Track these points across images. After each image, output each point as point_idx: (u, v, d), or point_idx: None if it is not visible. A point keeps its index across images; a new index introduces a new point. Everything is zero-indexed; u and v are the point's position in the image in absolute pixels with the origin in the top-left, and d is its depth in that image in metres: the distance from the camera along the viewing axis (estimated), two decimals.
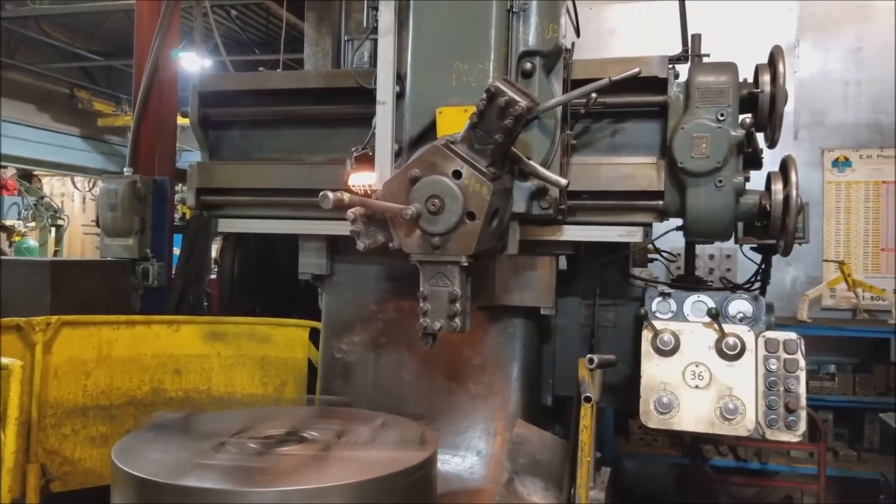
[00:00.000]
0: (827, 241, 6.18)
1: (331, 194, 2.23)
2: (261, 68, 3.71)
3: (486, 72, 2.64)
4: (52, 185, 17.79)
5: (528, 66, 2.72)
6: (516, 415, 3.13)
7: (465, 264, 2.49)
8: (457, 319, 2.51)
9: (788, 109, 3.17)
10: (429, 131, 2.71)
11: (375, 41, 2.81)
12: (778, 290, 5.54)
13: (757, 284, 3.41)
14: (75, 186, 17.69)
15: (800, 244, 3.02)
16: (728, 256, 6.11)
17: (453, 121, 2.59)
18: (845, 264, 5.82)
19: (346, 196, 2.29)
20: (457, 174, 2.41)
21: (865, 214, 6.15)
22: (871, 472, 5.22)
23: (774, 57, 2.91)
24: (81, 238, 17.15)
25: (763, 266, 3.42)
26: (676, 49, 3.33)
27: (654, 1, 6.01)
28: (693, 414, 2.81)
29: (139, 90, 5.11)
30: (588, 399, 2.20)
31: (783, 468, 5.48)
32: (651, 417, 2.84)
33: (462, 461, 3.10)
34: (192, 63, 9.12)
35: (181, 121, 5.55)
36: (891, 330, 5.48)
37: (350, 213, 2.43)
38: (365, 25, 3.35)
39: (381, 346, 3.39)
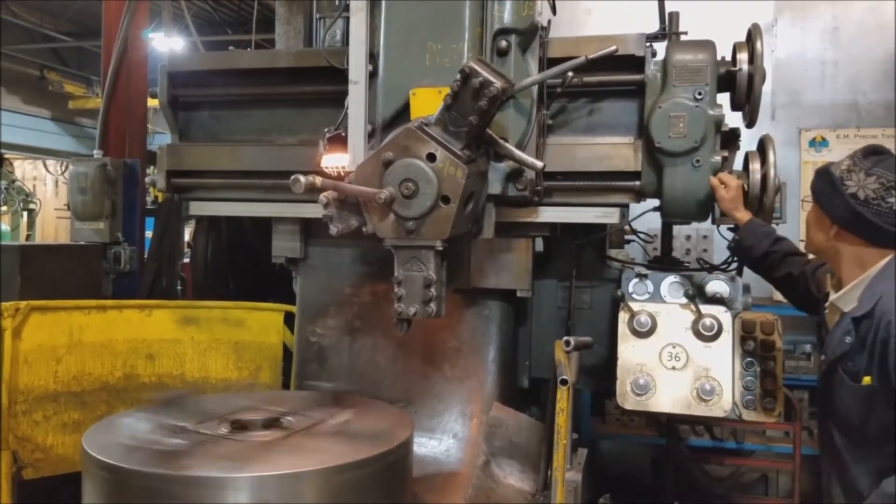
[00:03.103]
0: (803, 222, 6.17)
1: (302, 178, 2.18)
2: (231, 47, 3.62)
3: (460, 52, 2.59)
4: (24, 169, 17.43)
5: (504, 44, 2.68)
6: (492, 397, 3.12)
7: (440, 249, 2.46)
8: (432, 304, 2.49)
9: (766, 90, 3.16)
10: (402, 113, 2.67)
11: (348, 19, 2.76)
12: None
13: (734, 265, 3.41)
14: (47, 170, 17.34)
15: (777, 224, 3.02)
16: (705, 237, 6.11)
17: (427, 102, 2.55)
18: None
19: (319, 180, 2.24)
20: (431, 157, 2.37)
21: None
22: None
23: (752, 35, 2.88)
24: (55, 222, 16.84)
25: None
26: (654, 29, 3.30)
27: None
28: (670, 395, 2.81)
29: (108, 72, 5.01)
30: (564, 382, 2.18)
31: (759, 447, 5.53)
32: (627, 399, 2.83)
33: (438, 444, 3.09)
34: (163, 44, 8.96)
35: (152, 103, 5.46)
36: None
37: (322, 197, 2.37)
38: (337, 3, 3.28)
39: (357, 330, 3.36)
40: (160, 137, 11.85)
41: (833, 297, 2.45)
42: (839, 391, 2.30)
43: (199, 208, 3.51)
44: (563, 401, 2.14)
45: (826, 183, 2.41)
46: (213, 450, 2.31)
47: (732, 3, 6.10)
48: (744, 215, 2.83)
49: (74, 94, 15.70)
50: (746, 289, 3.05)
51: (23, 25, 13.50)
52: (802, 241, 6.19)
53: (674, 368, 2.83)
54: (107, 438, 2.38)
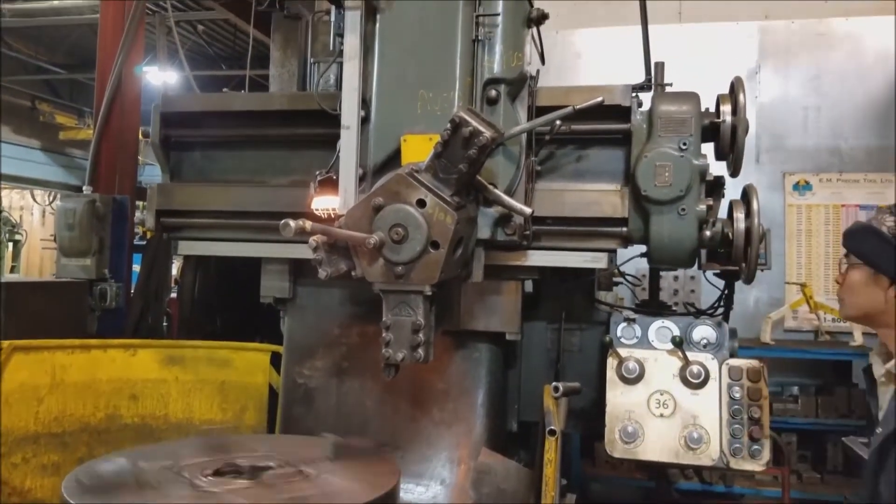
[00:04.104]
0: (789, 264, 6.28)
1: (292, 223, 2.19)
2: (225, 89, 3.65)
3: (450, 101, 2.63)
4: (11, 199, 17.40)
5: (493, 93, 2.72)
6: (481, 442, 3.09)
7: (429, 294, 2.46)
8: (420, 350, 2.48)
9: (750, 133, 3.21)
10: (393, 158, 2.69)
11: (341, 64, 2.79)
12: (741, 311, 5.60)
13: (720, 310, 3.44)
14: (35, 200, 17.33)
15: (762, 270, 3.05)
16: (692, 278, 6.18)
17: (418, 149, 2.58)
18: (807, 286, 5.91)
19: (308, 224, 2.25)
20: (421, 203, 2.39)
21: (826, 237, 6.27)
22: (834, 495, 5.28)
23: (735, 88, 2.94)
24: (40, 253, 16.77)
25: (726, 291, 3.45)
26: (641, 71, 3.36)
27: (619, 26, 6.11)
28: (658, 443, 2.81)
29: (101, 107, 5.03)
30: (552, 433, 2.18)
31: (748, 491, 5.52)
32: (616, 447, 2.83)
33: (426, 490, 3.05)
34: (156, 77, 9.02)
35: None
36: (852, 352, 5.57)
37: (312, 240, 2.38)
38: (331, 49, 3.32)
39: (344, 372, 3.34)
40: (150, 169, 11.87)
41: (890, 364, 2.34)
42: (890, 470, 2.08)
43: (188, 248, 3.49)
44: (551, 451, 2.13)
45: (877, 241, 2.33)
46: (194, 497, 2.27)
47: (718, 50, 6.24)
48: None
49: (66, 125, 15.72)
50: (733, 334, 3.06)
51: (17, 57, 13.53)
52: (787, 282, 6.30)
53: (662, 416, 2.83)
54: (89, 485, 2.34)
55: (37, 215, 17.57)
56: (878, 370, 2.38)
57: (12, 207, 16.73)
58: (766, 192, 5.72)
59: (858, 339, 5.72)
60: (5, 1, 10.27)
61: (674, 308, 3.70)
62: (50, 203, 16.62)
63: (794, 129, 6.38)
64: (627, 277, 3.83)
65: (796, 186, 6.32)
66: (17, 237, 14.66)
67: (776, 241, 5.89)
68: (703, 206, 2.78)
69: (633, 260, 3.51)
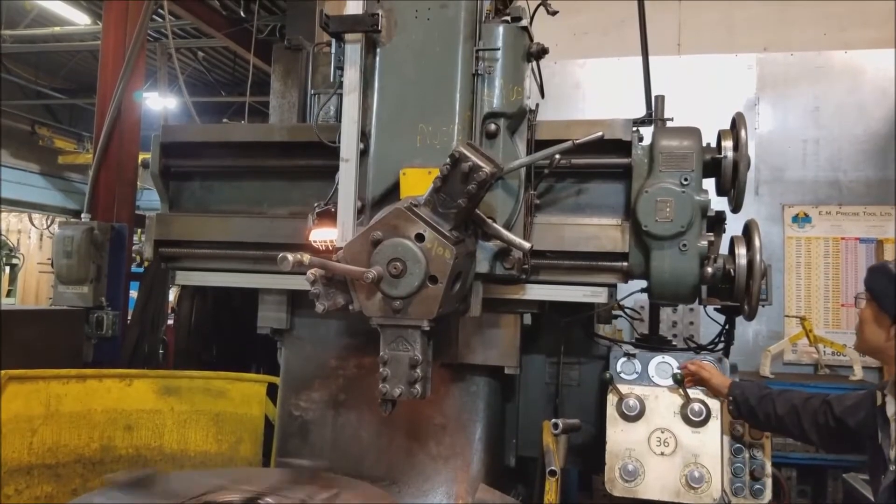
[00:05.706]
0: (788, 296, 6.26)
1: (290, 256, 2.18)
2: (225, 119, 3.66)
3: (450, 134, 2.63)
4: (9, 222, 17.39)
5: (493, 127, 2.72)
6: (479, 477, 3.05)
7: (427, 329, 2.44)
8: (417, 386, 2.45)
9: None
10: (392, 191, 2.69)
11: (341, 96, 2.80)
12: (740, 345, 5.57)
13: (721, 345, 3.41)
14: (32, 224, 17.31)
15: (763, 306, 3.02)
16: (691, 310, 6.15)
17: (417, 182, 2.57)
18: (806, 320, 5.89)
19: (306, 257, 2.24)
20: (419, 237, 2.38)
21: (825, 270, 6.25)
22: None
23: (736, 123, 2.94)
24: (37, 276, 16.72)
25: (727, 327, 3.42)
26: (639, 101, 3.36)
27: (617, 57, 6.16)
28: (658, 482, 2.77)
29: (100, 135, 5.03)
30: (553, 473, 2.14)
31: None
32: (616, 485, 2.79)
33: None
34: (156, 103, 9.06)
35: (143, 155, 5.48)
36: (852, 386, 5.52)
37: (310, 274, 2.37)
38: (332, 80, 3.33)
39: (341, 404, 3.30)
40: (148, 194, 11.86)
41: None
42: None
43: (185, 278, 3.47)
44: (551, 493, 2.10)
45: (888, 282, 2.39)
46: None
47: (717, 81, 6.27)
48: (727, 380, 2.88)
49: (65, 150, 15.78)
50: (734, 369, 3.03)
51: (17, 81, 13.61)
52: (787, 315, 6.26)
53: (662, 454, 2.80)
54: None
55: (34, 239, 17.54)
56: (892, 409, 2.37)
57: (10, 231, 16.71)
58: (765, 225, 5.71)
59: (858, 373, 5.68)
60: (6, 27, 10.34)
61: (673, 342, 3.66)
62: (48, 227, 16.61)
63: (793, 161, 6.39)
64: (627, 311, 3.80)
65: (795, 219, 6.32)
66: (15, 261, 14.61)
67: (775, 273, 5.86)
68: (704, 242, 2.76)
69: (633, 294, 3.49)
